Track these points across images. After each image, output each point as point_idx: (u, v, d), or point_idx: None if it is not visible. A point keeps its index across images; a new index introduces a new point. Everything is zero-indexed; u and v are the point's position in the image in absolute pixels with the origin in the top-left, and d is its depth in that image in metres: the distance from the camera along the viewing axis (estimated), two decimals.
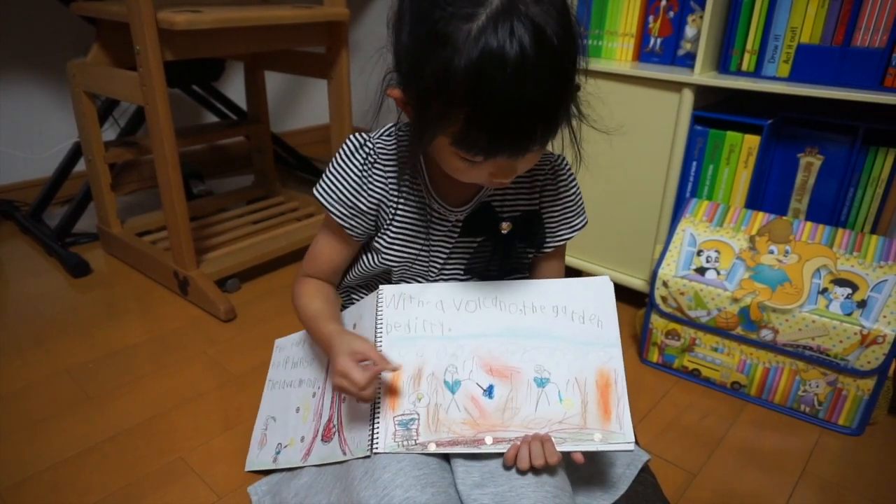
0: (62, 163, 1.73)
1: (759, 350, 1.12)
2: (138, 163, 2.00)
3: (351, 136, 0.76)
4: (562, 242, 0.83)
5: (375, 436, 0.70)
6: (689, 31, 1.29)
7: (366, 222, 0.76)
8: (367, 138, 0.76)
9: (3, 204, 1.83)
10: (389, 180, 0.75)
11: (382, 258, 0.79)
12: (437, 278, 0.81)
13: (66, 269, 1.57)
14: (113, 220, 1.62)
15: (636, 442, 0.93)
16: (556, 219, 0.81)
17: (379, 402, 0.71)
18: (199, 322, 1.38)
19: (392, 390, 0.72)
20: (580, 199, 0.83)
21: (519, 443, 0.67)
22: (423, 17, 0.58)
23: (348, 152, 0.75)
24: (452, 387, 0.71)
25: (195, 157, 2.22)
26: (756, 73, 1.21)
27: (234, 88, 2.12)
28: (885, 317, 1.02)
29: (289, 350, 1.00)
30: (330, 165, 0.76)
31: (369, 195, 0.75)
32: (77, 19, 1.47)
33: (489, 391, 0.70)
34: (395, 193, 0.75)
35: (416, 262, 0.79)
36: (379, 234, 0.78)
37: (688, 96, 1.21)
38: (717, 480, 0.99)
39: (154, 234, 1.66)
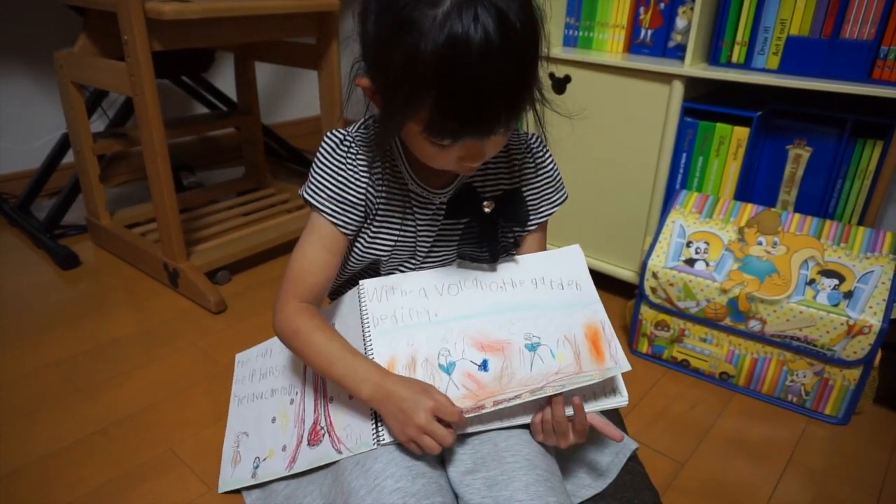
0: (50, 154, 1.71)
1: (748, 341, 1.13)
2: (127, 154, 1.99)
3: (328, 134, 0.76)
4: (544, 218, 0.85)
5: (380, 428, 0.70)
6: (680, 22, 1.29)
7: (356, 215, 0.76)
8: (346, 132, 0.76)
9: None
10: (374, 169, 0.75)
11: (368, 247, 0.79)
12: (425, 264, 0.82)
13: (55, 262, 1.56)
14: (102, 211, 1.61)
15: (623, 427, 0.94)
16: (538, 194, 0.83)
17: None
18: (189, 314, 1.37)
19: None
20: (558, 174, 0.84)
21: (544, 401, 0.69)
22: (389, 4, 0.59)
23: (329, 149, 0.75)
24: (448, 368, 0.71)
25: (185, 149, 2.21)
26: (746, 64, 1.21)
27: (224, 79, 2.11)
28: (870, 307, 1.03)
29: (253, 363, 0.99)
30: (314, 166, 0.76)
31: (356, 186, 0.75)
32: (64, 9, 1.46)
33: (483, 365, 0.71)
34: (379, 181, 0.76)
35: (403, 248, 0.80)
36: (365, 225, 0.78)
37: (678, 88, 1.22)
38: (705, 470, 1.00)
39: (143, 225, 1.65)
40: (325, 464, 0.75)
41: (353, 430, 0.74)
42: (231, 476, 0.89)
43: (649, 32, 1.33)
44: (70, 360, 1.20)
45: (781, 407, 1.14)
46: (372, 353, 0.73)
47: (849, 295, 1.05)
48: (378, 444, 0.70)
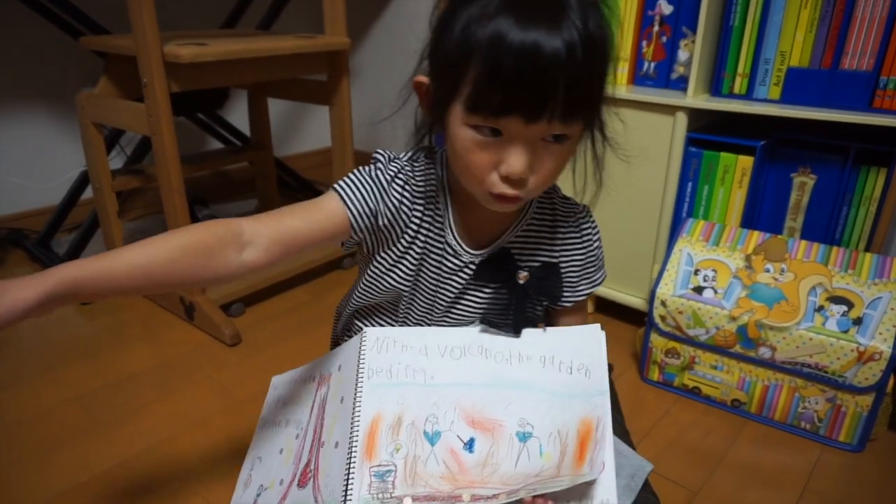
0: (70, 191, 1.76)
1: (758, 367, 1.14)
2: (144, 188, 2.04)
3: (381, 150, 0.73)
4: (582, 298, 0.80)
5: (350, 486, 0.66)
6: (682, 55, 1.32)
7: (370, 223, 0.71)
8: (396, 155, 0.73)
9: (12, 232, 1.86)
10: (406, 199, 0.72)
11: (387, 271, 0.76)
12: (442, 321, 0.79)
13: None
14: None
15: (633, 447, 0.92)
16: (577, 272, 0.79)
17: (355, 451, 0.68)
18: (204, 347, 1.39)
19: (370, 439, 0.69)
20: (601, 252, 0.80)
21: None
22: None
23: (378, 164, 0.73)
24: (432, 438, 0.68)
25: (200, 183, 2.26)
26: (748, 95, 1.24)
27: (238, 115, 2.16)
28: (881, 334, 1.03)
29: (281, 389, 0.97)
30: (355, 170, 0.72)
31: (386, 203, 0.71)
32: (85, 51, 1.51)
33: (469, 445, 0.67)
34: (409, 213, 0.72)
35: (422, 292, 0.77)
36: (384, 251, 0.75)
37: (682, 119, 1.24)
38: (719, 498, 1.00)
39: None
40: None
41: (330, 481, 0.71)
42: (240, 498, 0.89)
43: (652, 65, 1.36)
44: (89, 394, 1.23)
45: (795, 434, 1.14)
46: (360, 406, 0.70)
47: (858, 321, 1.06)
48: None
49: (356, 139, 1.73)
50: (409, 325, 0.82)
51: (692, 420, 1.18)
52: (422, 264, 0.75)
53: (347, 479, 0.67)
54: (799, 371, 1.10)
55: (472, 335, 0.74)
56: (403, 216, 0.72)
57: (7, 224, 1.88)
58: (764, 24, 1.19)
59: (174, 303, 1.50)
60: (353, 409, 0.70)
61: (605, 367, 0.72)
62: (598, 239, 0.79)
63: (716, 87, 1.27)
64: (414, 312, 0.80)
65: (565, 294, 0.79)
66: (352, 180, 0.71)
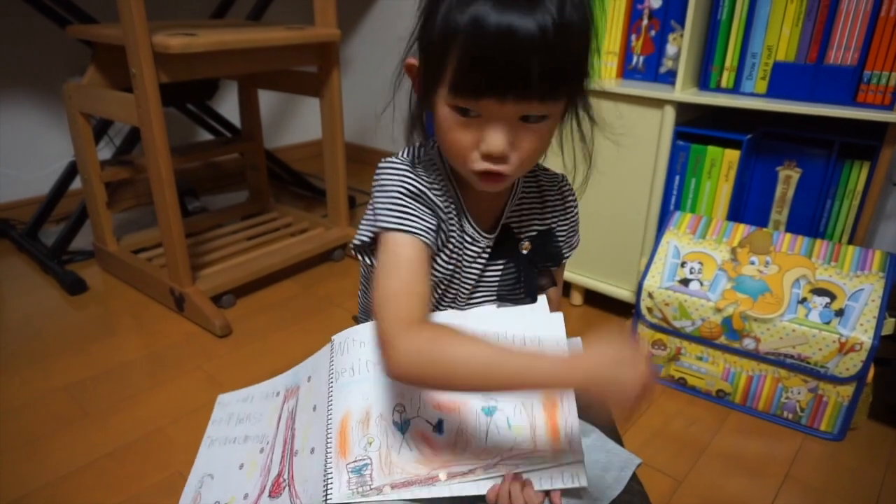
0: (58, 182, 1.75)
1: (743, 359, 1.16)
2: (134, 179, 2.03)
3: (384, 161, 0.70)
4: (566, 259, 0.85)
5: (329, 486, 0.68)
6: (671, 49, 1.33)
7: (430, 219, 0.68)
8: (401, 159, 0.71)
9: None
10: (434, 195, 0.70)
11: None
12: (466, 307, 0.80)
13: (63, 287, 1.58)
14: (109, 237, 1.64)
15: (622, 444, 0.94)
16: (563, 237, 0.83)
17: (330, 452, 0.70)
18: (194, 338, 1.40)
19: (341, 437, 0.70)
20: (578, 217, 0.85)
21: (501, 480, 0.66)
22: None
23: (389, 169, 0.69)
24: (402, 426, 0.69)
25: (190, 174, 2.25)
26: (735, 89, 1.25)
27: (228, 106, 2.16)
28: (861, 325, 1.05)
29: (233, 406, 0.98)
30: (375, 195, 0.68)
31: (430, 197, 0.69)
32: (73, 41, 1.50)
33: (439, 427, 0.69)
34: (442, 207, 0.71)
35: (452, 285, 0.77)
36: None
37: (670, 112, 1.25)
38: (703, 486, 1.02)
39: (150, 251, 1.68)
40: None
41: (308, 486, 0.72)
42: None
43: (641, 59, 1.37)
44: (78, 384, 1.23)
45: (777, 423, 1.16)
46: (331, 409, 0.72)
47: (840, 313, 1.08)
48: (326, 503, 0.68)
49: (347, 131, 1.72)
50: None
51: (677, 410, 1.20)
52: (450, 255, 0.74)
53: (326, 480, 0.68)
54: (782, 362, 1.11)
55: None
56: (440, 212, 0.71)
57: None
58: (751, 18, 1.20)
59: (164, 294, 1.50)
60: (327, 412, 0.72)
61: (562, 336, 0.71)
62: (577, 205, 0.84)
63: (703, 80, 1.28)
64: (442, 303, 0.80)
65: (563, 253, 0.83)
66: (399, 210, 0.66)
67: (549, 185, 0.81)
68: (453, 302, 0.81)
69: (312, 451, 0.73)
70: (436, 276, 0.75)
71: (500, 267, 0.79)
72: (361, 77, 2.54)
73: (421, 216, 0.67)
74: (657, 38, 1.34)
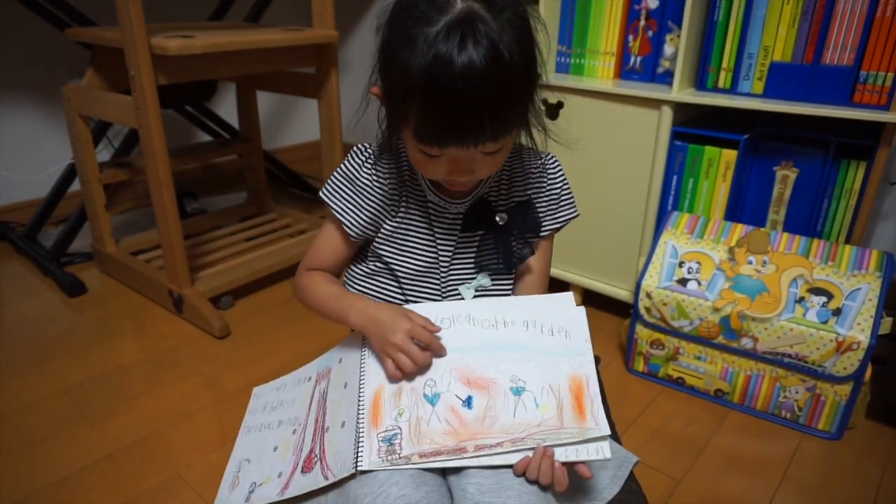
0: (57, 184, 1.75)
1: (741, 358, 1.16)
2: (132, 181, 2.03)
3: (356, 146, 0.82)
4: (547, 232, 0.88)
5: (360, 454, 0.71)
6: (668, 49, 1.34)
7: (365, 218, 0.81)
8: (370, 145, 0.82)
9: None
10: (391, 178, 0.80)
11: (382, 251, 0.82)
12: (447, 277, 0.84)
13: (62, 289, 1.59)
14: (108, 239, 1.64)
15: (620, 442, 0.95)
16: (545, 209, 0.86)
17: (362, 423, 0.73)
18: (193, 339, 1.40)
19: (374, 409, 0.74)
20: (567, 191, 0.88)
21: (529, 454, 0.70)
22: (396, 20, 0.67)
23: (352, 156, 0.81)
24: (432, 399, 0.73)
25: (188, 176, 2.25)
26: (732, 89, 1.25)
27: (227, 107, 2.16)
28: (859, 324, 1.06)
29: (267, 396, 1.01)
30: (337, 170, 0.82)
31: (375, 192, 0.80)
32: (72, 43, 1.51)
33: (468, 402, 0.73)
34: (397, 190, 0.80)
35: (422, 258, 0.83)
36: (381, 230, 0.83)
37: (667, 113, 1.26)
38: (701, 486, 1.02)
39: (148, 252, 1.68)
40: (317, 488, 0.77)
41: (339, 457, 0.75)
42: (226, 499, 0.91)
43: (638, 59, 1.37)
44: (77, 386, 1.23)
45: (775, 423, 1.16)
46: (364, 381, 0.76)
47: (837, 312, 1.08)
48: (357, 469, 0.71)
49: (345, 132, 1.73)
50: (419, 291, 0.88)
51: (676, 410, 1.20)
52: (419, 233, 0.83)
53: (357, 449, 0.72)
54: (780, 361, 1.12)
55: (459, 307, 0.81)
56: (387, 191, 0.80)
57: None
58: (748, 18, 1.20)
59: (163, 295, 1.50)
60: (359, 387, 0.76)
61: (583, 329, 0.78)
62: (561, 178, 0.87)
63: (700, 81, 1.28)
64: (422, 280, 0.86)
65: (542, 224, 0.87)
66: (332, 185, 0.82)
67: (530, 159, 0.86)
68: (434, 273, 0.85)
69: (343, 424, 0.76)
70: (409, 255, 0.83)
71: (478, 238, 0.83)
72: (360, 78, 2.54)
73: (353, 206, 0.80)
74: (654, 38, 1.34)
